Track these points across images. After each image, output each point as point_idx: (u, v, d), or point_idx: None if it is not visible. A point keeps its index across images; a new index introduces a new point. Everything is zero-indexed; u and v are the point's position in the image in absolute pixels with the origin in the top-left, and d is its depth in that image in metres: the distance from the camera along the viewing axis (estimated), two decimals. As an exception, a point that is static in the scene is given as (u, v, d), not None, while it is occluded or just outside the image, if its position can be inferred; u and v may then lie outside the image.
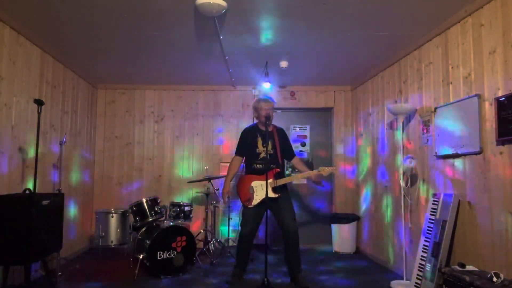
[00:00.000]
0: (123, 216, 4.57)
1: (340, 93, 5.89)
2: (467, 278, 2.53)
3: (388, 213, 4.46)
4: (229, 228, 5.25)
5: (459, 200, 3.11)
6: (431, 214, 3.32)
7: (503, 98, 2.63)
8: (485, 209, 2.83)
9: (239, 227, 3.86)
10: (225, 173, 5.50)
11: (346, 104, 5.88)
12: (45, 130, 4.11)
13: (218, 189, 5.20)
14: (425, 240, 3.29)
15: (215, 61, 4.60)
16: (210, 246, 4.97)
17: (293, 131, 5.87)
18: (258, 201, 3.70)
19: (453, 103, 3.23)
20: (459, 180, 3.15)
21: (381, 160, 4.70)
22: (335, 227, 5.37)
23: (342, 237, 5.31)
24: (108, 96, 5.79)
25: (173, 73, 5.19)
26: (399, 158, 4.01)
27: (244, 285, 3.79)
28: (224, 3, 2.94)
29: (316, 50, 4.19)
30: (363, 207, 5.32)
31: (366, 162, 5.22)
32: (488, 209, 2.80)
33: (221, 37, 3.73)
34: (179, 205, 4.61)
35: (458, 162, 3.17)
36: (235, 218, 5.49)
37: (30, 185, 3.55)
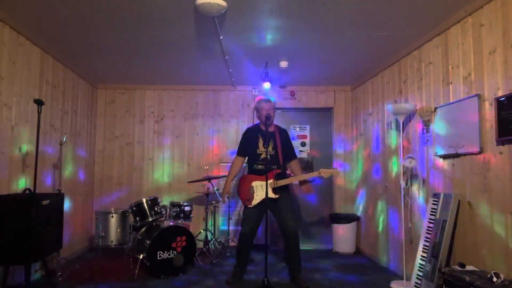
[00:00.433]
0: (123, 216, 4.57)
1: (340, 93, 5.89)
2: (467, 278, 2.53)
3: (388, 213, 4.46)
4: (229, 228, 5.25)
5: (459, 200, 3.11)
6: (431, 214, 3.32)
7: (503, 98, 2.63)
8: (485, 209, 2.83)
9: (240, 227, 3.87)
10: (225, 173, 5.54)
11: (346, 104, 5.88)
12: (45, 130, 4.11)
13: (218, 189, 5.20)
14: (425, 240, 3.29)
15: (215, 61, 4.60)
16: (210, 246, 4.97)
17: (293, 131, 5.87)
18: (258, 201, 3.71)
19: (453, 103, 3.23)
20: (459, 180, 3.15)
21: (381, 160, 4.70)
22: (335, 227, 5.37)
23: (342, 237, 5.31)
24: (108, 96, 5.79)
25: (173, 73, 5.19)
26: (399, 158, 4.01)
27: (244, 285, 3.79)
28: (224, 3, 2.94)
29: (316, 50, 4.19)
30: (363, 207, 5.32)
31: (365, 162, 5.22)
32: (488, 209, 2.80)
33: (221, 37, 3.73)
34: (179, 205, 4.62)
35: (458, 162, 3.17)
36: (235, 218, 5.49)
37: (30, 185, 3.55)
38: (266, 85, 5.08)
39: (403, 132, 3.95)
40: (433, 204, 3.34)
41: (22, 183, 3.63)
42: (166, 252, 3.99)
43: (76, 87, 4.97)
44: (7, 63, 3.40)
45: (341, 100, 5.89)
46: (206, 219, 5.13)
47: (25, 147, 3.69)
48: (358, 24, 3.46)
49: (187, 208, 4.62)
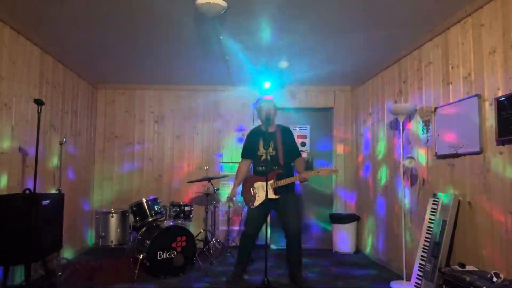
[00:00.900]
0: (123, 216, 4.57)
1: (340, 93, 5.89)
2: (467, 278, 2.53)
3: (388, 213, 4.46)
4: (229, 228, 5.25)
5: (459, 200, 3.11)
6: (431, 214, 3.32)
7: (503, 98, 2.63)
8: (485, 209, 2.83)
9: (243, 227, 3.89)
10: (225, 173, 5.55)
11: (346, 104, 5.88)
12: (45, 130, 4.11)
13: (218, 189, 5.20)
14: (425, 240, 3.29)
15: (215, 61, 4.59)
16: (210, 246, 4.97)
17: (293, 131, 5.84)
18: (259, 202, 3.72)
19: (453, 103, 3.23)
20: (459, 180, 3.15)
21: (381, 160, 4.70)
22: (335, 227, 5.37)
23: (342, 237, 5.31)
24: (108, 96, 5.79)
25: (173, 73, 5.19)
26: (399, 158, 4.01)
27: (244, 285, 3.79)
28: (224, 3, 2.94)
29: (316, 50, 4.19)
30: (363, 207, 5.32)
31: (366, 162, 5.21)
32: (488, 209, 2.80)
33: (221, 37, 3.73)
34: (179, 205, 4.62)
35: (458, 162, 3.17)
36: (237, 219, 5.49)
37: (30, 185, 3.54)
38: (266, 85, 5.09)
39: (403, 132, 3.95)
40: (433, 204, 3.34)
41: (22, 183, 3.62)
42: (166, 252, 3.99)
43: (76, 87, 4.97)
44: (7, 63, 3.40)
45: (341, 100, 5.89)
46: (206, 219, 5.13)
47: (25, 147, 3.69)
48: (358, 24, 3.46)
49: (187, 208, 4.62)
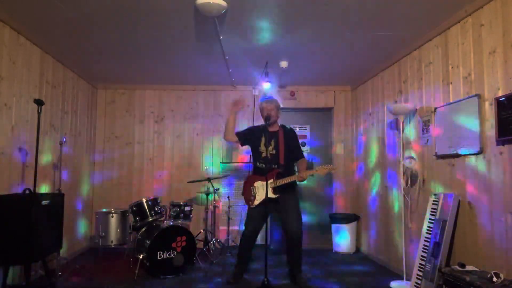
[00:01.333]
0: (123, 216, 4.57)
1: (340, 93, 5.89)
2: (467, 278, 2.53)
3: (388, 213, 4.46)
4: (229, 228, 5.25)
5: (459, 200, 3.11)
6: (431, 214, 3.32)
7: (503, 98, 2.63)
8: (485, 209, 2.83)
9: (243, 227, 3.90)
10: (225, 173, 5.54)
11: (346, 104, 5.88)
12: (45, 130, 4.11)
13: (218, 189, 5.20)
14: (425, 240, 3.29)
15: (215, 61, 4.59)
16: (210, 246, 4.97)
17: (293, 131, 5.86)
18: (259, 201, 3.72)
19: (453, 103, 3.23)
20: (459, 180, 3.15)
21: (380, 160, 4.70)
22: (335, 227, 5.37)
23: (342, 237, 5.31)
24: (108, 96, 5.79)
25: (173, 73, 5.19)
26: (399, 158, 4.01)
27: (244, 285, 3.79)
28: (224, 3, 2.94)
29: (316, 50, 4.19)
30: (363, 207, 5.32)
31: (366, 162, 5.22)
32: (488, 209, 2.80)
33: (221, 37, 3.73)
34: (179, 205, 4.62)
35: (458, 162, 3.17)
36: (236, 219, 5.49)
37: (30, 185, 3.54)
38: (266, 85, 5.09)
39: (403, 132, 3.95)
40: (433, 204, 3.34)
41: (22, 183, 3.63)
42: (166, 252, 3.99)
43: (76, 87, 4.97)
44: (7, 63, 3.40)
45: (341, 100, 5.89)
46: (206, 219, 5.13)
47: (25, 147, 3.69)
48: (358, 24, 3.46)
49: (187, 208, 4.62)
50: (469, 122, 2.98)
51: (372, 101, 5.03)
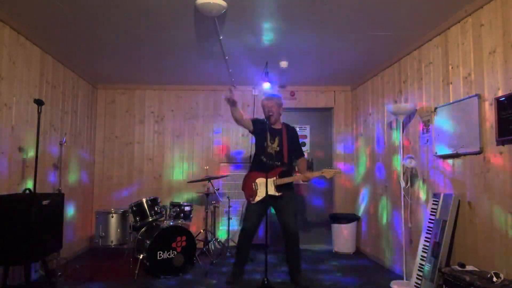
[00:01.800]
0: (123, 216, 4.57)
1: (340, 93, 5.89)
2: (467, 278, 2.53)
3: (388, 213, 4.46)
4: (229, 228, 5.25)
5: (459, 200, 3.11)
6: (431, 214, 3.32)
7: (503, 98, 2.63)
8: (485, 209, 2.83)
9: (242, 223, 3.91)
10: (225, 173, 5.54)
11: (346, 104, 5.88)
12: (45, 130, 4.11)
13: (218, 189, 5.20)
14: (425, 240, 3.29)
15: (215, 61, 4.59)
16: (210, 246, 4.97)
17: (293, 131, 5.86)
18: (260, 197, 3.71)
19: (453, 103, 3.23)
20: (459, 180, 3.15)
21: (381, 160, 4.70)
22: (335, 227, 5.37)
23: (342, 237, 5.31)
24: (108, 96, 5.79)
25: (173, 73, 5.19)
26: (399, 158, 4.01)
27: (244, 284, 3.79)
28: (224, 3, 2.94)
29: (316, 50, 4.19)
30: (363, 207, 5.32)
31: (366, 162, 5.22)
32: (488, 209, 2.80)
33: (221, 37, 3.73)
34: (179, 205, 4.61)
35: (458, 162, 3.17)
36: (236, 219, 5.49)
37: (30, 185, 3.55)
38: (266, 85, 5.09)
39: (403, 132, 3.95)
40: (433, 204, 3.34)
41: (22, 183, 3.63)
42: (166, 252, 3.99)
43: (76, 87, 4.97)
44: (7, 63, 3.40)
45: (341, 100, 5.89)
46: (206, 219, 5.13)
47: (25, 147, 3.69)
48: (358, 24, 3.46)
49: (187, 208, 4.62)
50: (469, 122, 2.97)
51: (372, 101, 5.03)
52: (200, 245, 4.96)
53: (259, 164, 3.82)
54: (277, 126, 3.87)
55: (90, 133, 5.51)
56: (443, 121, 3.36)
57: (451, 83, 3.29)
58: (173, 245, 4.04)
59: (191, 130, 5.81)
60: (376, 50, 4.16)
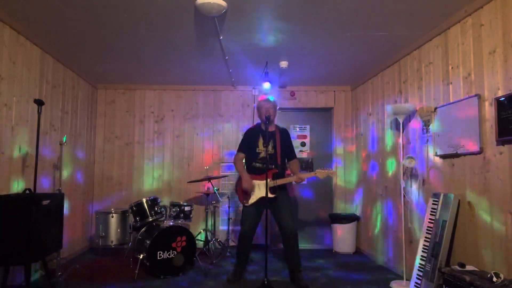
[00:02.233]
0: (123, 216, 4.57)
1: (340, 93, 5.89)
2: (467, 278, 2.53)
3: (388, 213, 4.46)
4: (229, 228, 5.25)
5: (459, 200, 3.11)
6: (431, 214, 3.32)
7: (503, 98, 2.63)
8: (485, 209, 2.83)
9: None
10: (225, 173, 5.55)
11: (346, 104, 5.88)
12: (45, 130, 4.11)
13: (218, 189, 5.20)
14: (425, 240, 3.29)
15: (215, 61, 4.60)
16: (210, 246, 4.97)
17: (293, 131, 5.86)
18: (254, 200, 3.74)
19: (453, 103, 3.23)
20: (459, 180, 3.15)
21: (381, 160, 4.70)
22: (335, 227, 5.37)
23: (342, 237, 5.31)
24: (108, 96, 5.79)
25: (173, 73, 5.19)
26: (399, 158, 4.01)
27: (244, 284, 3.79)
28: (224, 3, 2.95)
29: (316, 50, 4.19)
30: (363, 207, 5.32)
31: (365, 162, 5.22)
32: (488, 209, 2.80)
33: (221, 37, 3.73)
34: (179, 205, 4.61)
35: (458, 162, 3.17)
36: (236, 219, 5.49)
37: (30, 185, 3.55)
38: (266, 85, 5.09)
39: (403, 132, 3.95)
40: (433, 204, 3.34)
41: (21, 183, 3.63)
42: (166, 252, 3.99)
43: (76, 87, 4.97)
44: (7, 63, 3.40)
45: (341, 100, 5.89)
46: (206, 219, 5.13)
47: (25, 147, 3.69)
48: (358, 24, 3.46)
49: (187, 208, 4.62)
50: (469, 122, 2.97)
51: (372, 101, 5.03)
52: (200, 245, 4.96)
53: (252, 169, 3.86)
54: (272, 128, 3.90)
55: (90, 133, 5.51)
56: (443, 121, 3.36)
57: (451, 83, 3.29)
58: (173, 245, 4.04)
59: (191, 130, 5.81)
60: (376, 50, 4.16)
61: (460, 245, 3.09)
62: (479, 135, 2.86)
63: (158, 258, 3.94)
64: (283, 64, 4.57)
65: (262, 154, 3.81)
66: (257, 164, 3.83)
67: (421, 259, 3.27)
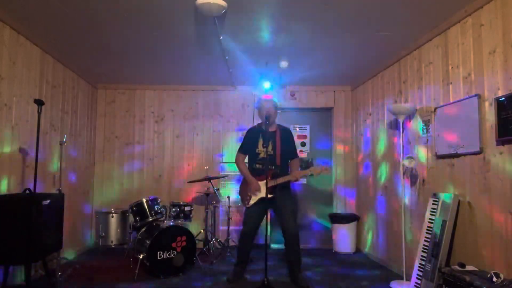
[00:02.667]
0: (123, 216, 4.58)
1: (340, 93, 5.89)
2: (467, 278, 2.53)
3: (388, 213, 4.46)
4: (229, 228, 5.25)
5: (459, 200, 3.11)
6: (431, 214, 3.32)
7: (503, 98, 2.63)
8: (485, 209, 2.83)
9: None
10: (225, 173, 5.54)
11: (346, 104, 5.88)
12: (45, 130, 4.11)
13: (218, 189, 5.20)
14: (425, 240, 3.29)
15: (215, 61, 4.59)
16: (210, 246, 4.97)
17: (293, 131, 5.85)
18: (254, 200, 3.74)
19: (453, 103, 3.23)
20: (459, 180, 3.15)
21: (381, 160, 4.70)
22: (335, 227, 5.37)
23: (342, 237, 5.31)
24: (108, 96, 5.79)
25: (173, 73, 5.19)
26: (399, 158, 4.01)
27: (244, 284, 3.79)
28: (224, 3, 2.94)
29: (316, 50, 4.19)
30: (363, 207, 5.32)
31: (365, 162, 5.22)
32: (488, 209, 2.80)
33: (221, 37, 3.73)
34: (179, 205, 4.62)
35: (458, 162, 3.17)
36: (236, 219, 5.49)
37: (30, 185, 3.54)
38: (266, 85, 5.09)
39: (403, 132, 3.95)
40: (433, 204, 3.34)
41: (22, 183, 3.63)
42: (166, 252, 3.99)
43: (76, 87, 4.97)
44: (7, 63, 3.40)
45: (341, 100, 5.89)
46: (206, 219, 5.13)
47: (25, 147, 3.69)
48: (358, 24, 3.46)
49: (187, 208, 4.62)
50: (469, 122, 2.97)
51: (372, 101, 5.03)
52: (200, 245, 4.96)
53: (253, 170, 3.86)
54: (272, 128, 3.89)
55: (90, 133, 5.51)
56: (443, 121, 3.36)
57: (451, 83, 3.29)
58: (173, 245, 4.04)
59: (191, 130, 5.81)
60: (376, 50, 4.16)
61: (460, 245, 3.09)
62: (479, 135, 2.86)
63: (158, 258, 3.94)
64: (283, 64, 4.57)
65: (262, 155, 3.81)
66: (257, 165, 3.83)
67: (421, 259, 3.27)
